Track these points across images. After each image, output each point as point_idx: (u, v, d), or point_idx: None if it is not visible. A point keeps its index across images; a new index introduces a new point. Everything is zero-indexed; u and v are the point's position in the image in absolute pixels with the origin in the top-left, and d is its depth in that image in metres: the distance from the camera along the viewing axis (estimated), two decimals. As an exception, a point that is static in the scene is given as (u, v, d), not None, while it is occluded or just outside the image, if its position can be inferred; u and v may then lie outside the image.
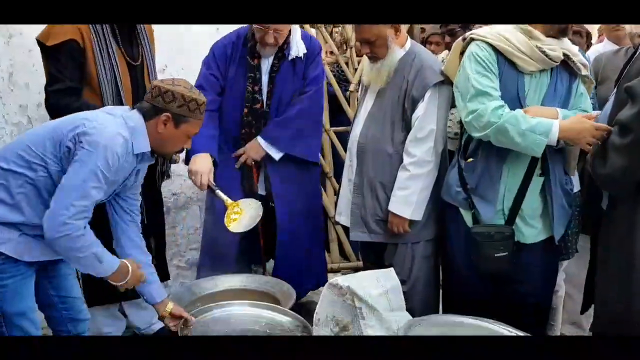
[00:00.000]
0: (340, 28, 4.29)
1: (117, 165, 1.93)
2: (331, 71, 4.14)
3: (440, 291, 2.78)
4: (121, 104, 2.52)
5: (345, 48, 4.28)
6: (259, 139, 2.85)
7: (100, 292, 2.69)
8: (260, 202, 2.65)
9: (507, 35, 2.26)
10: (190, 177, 2.67)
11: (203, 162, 2.67)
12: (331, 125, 4.10)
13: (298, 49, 2.72)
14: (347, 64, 4.09)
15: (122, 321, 2.94)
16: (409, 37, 2.66)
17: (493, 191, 2.36)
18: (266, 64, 2.82)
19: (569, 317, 3.00)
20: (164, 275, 2.94)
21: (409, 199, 2.52)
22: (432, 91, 2.50)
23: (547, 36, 2.25)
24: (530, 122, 2.19)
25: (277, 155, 2.87)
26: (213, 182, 2.65)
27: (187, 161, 2.75)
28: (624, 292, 1.93)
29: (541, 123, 2.18)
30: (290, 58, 2.77)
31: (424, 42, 4.05)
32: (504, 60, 2.28)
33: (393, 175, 2.57)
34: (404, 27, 2.64)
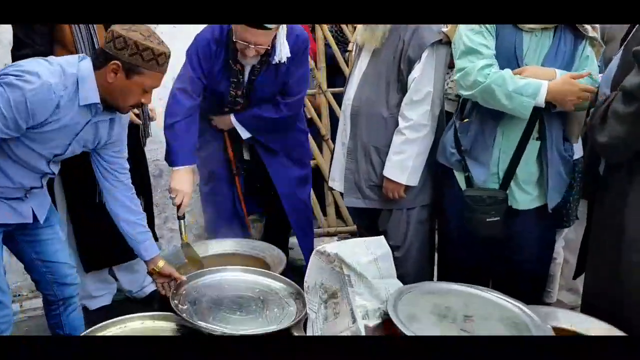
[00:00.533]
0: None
1: (30, 110, 1.76)
2: (330, 31, 4.02)
3: (436, 257, 2.75)
4: None
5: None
6: (232, 116, 2.75)
7: (95, 257, 2.68)
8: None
9: None
10: (170, 194, 2.55)
11: (185, 182, 2.53)
12: (328, 86, 4.01)
13: (282, 53, 2.53)
14: (346, 24, 3.96)
15: (113, 284, 2.93)
16: None
17: (486, 154, 2.30)
18: (249, 68, 2.63)
19: (566, 284, 2.96)
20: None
21: (404, 164, 2.45)
22: (429, 51, 2.40)
23: None
24: (517, 83, 2.11)
25: (244, 134, 2.80)
26: (185, 210, 2.56)
27: (168, 160, 2.62)
28: (613, 259, 1.89)
29: (529, 84, 2.10)
30: (273, 62, 2.58)
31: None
32: None
33: (388, 139, 2.49)
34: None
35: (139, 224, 2.19)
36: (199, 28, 2.65)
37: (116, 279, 2.97)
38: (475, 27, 2.19)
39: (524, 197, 2.33)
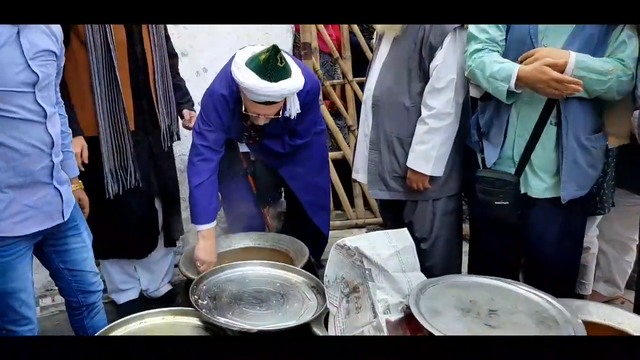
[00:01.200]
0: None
1: None
2: (354, 19, 3.95)
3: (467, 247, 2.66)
4: (110, 56, 2.41)
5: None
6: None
7: (110, 245, 2.69)
8: None
9: None
10: (196, 262, 2.54)
11: (210, 252, 2.54)
12: (354, 76, 3.95)
13: (292, 110, 2.47)
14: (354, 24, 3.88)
15: (138, 280, 2.96)
16: None
17: (500, 135, 2.23)
18: None
19: (602, 275, 2.84)
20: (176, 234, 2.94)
21: (428, 154, 2.38)
22: (451, 37, 2.31)
23: None
24: (493, 68, 2.12)
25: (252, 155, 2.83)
26: None
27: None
28: None
29: (503, 69, 2.10)
30: (283, 117, 2.52)
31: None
32: None
33: (411, 129, 2.42)
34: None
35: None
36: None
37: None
38: None
39: (539, 184, 2.22)
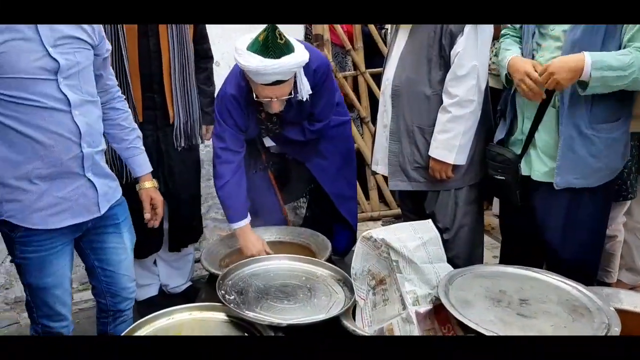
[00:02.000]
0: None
1: None
2: (366, 9, 3.92)
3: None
4: (120, 47, 2.39)
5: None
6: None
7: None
8: None
9: None
10: (246, 254, 2.55)
11: (254, 241, 2.56)
12: (367, 67, 3.92)
13: (304, 92, 2.43)
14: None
15: (157, 276, 2.95)
16: None
17: (510, 115, 2.33)
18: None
19: (626, 263, 2.82)
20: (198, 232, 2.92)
21: (451, 143, 2.36)
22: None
23: None
24: (501, 55, 2.30)
25: (273, 149, 2.81)
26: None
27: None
28: None
29: (505, 57, 2.25)
30: (296, 100, 2.49)
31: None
32: None
33: (432, 118, 2.40)
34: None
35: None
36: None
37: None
38: None
39: (540, 167, 2.22)
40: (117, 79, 2.33)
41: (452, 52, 2.32)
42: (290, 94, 2.40)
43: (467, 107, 2.32)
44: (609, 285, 2.66)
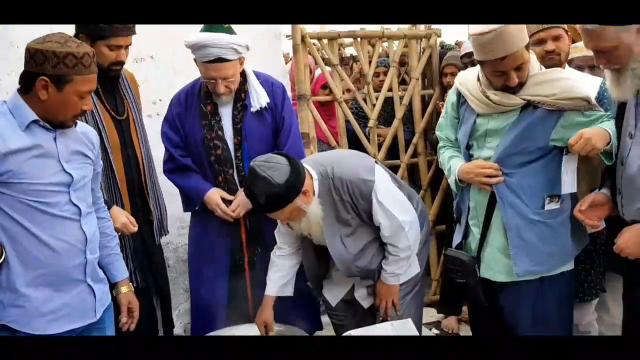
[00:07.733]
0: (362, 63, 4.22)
1: None
2: (349, 108, 4.09)
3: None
4: (108, 158, 2.52)
5: (362, 84, 4.22)
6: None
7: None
8: None
9: (469, 81, 2.31)
10: (216, 210, 2.71)
11: (214, 195, 2.71)
12: (350, 163, 4.01)
13: (258, 98, 2.64)
14: (364, 100, 4.02)
15: None
16: None
17: (463, 219, 2.40)
18: (227, 115, 2.72)
19: None
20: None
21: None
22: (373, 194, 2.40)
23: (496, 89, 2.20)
24: (445, 165, 2.45)
25: None
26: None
27: (186, 208, 2.85)
28: None
29: (452, 165, 2.39)
30: (253, 110, 2.67)
31: (440, 73, 3.98)
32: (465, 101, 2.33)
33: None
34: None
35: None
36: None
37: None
38: (446, 111, 2.47)
39: (499, 267, 2.27)
40: (109, 192, 2.46)
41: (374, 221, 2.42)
42: (242, 98, 2.63)
43: (408, 250, 2.42)
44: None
